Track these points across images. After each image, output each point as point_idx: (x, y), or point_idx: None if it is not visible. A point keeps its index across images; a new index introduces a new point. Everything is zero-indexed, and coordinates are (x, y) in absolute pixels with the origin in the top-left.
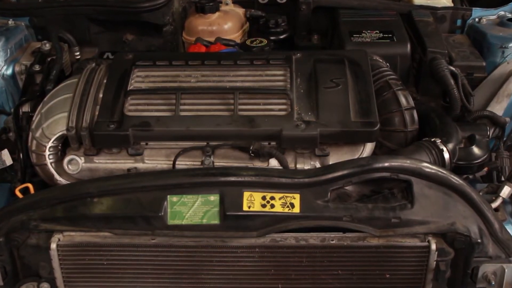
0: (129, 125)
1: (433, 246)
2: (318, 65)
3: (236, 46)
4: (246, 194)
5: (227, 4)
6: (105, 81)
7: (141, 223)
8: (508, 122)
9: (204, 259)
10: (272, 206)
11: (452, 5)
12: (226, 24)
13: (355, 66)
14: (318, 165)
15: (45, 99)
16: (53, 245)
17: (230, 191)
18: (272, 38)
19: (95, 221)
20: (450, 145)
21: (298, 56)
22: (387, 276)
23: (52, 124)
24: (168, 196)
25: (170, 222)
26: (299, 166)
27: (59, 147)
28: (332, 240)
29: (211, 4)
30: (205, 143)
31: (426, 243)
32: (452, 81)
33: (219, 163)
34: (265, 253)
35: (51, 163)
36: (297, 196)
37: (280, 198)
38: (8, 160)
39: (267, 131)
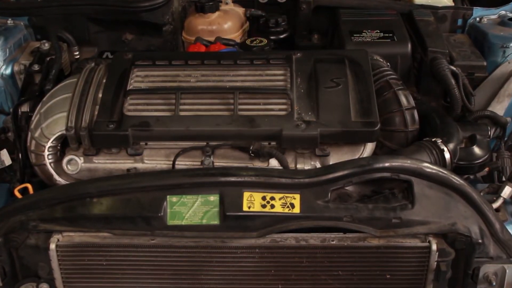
0: (129, 125)
1: (434, 247)
2: (319, 65)
3: (236, 45)
4: (246, 194)
5: (227, 3)
6: (104, 80)
7: (140, 223)
8: (509, 122)
9: (204, 260)
10: (272, 206)
11: (453, 4)
12: (226, 24)
13: (356, 65)
14: (318, 165)
15: (44, 99)
16: (52, 246)
17: (230, 191)
18: (272, 37)
19: (94, 222)
20: (451, 145)
21: (298, 56)
22: (388, 276)
23: (51, 124)
24: (168, 196)
25: (170, 222)
26: (299, 166)
27: (58, 147)
28: (333, 241)
29: (211, 3)
30: (205, 143)
31: (426, 244)
32: (453, 81)
33: (219, 163)
34: (265, 254)
35: (50, 163)
36: (297, 196)
37: (280, 198)
38: (7, 160)
39: (267, 131)
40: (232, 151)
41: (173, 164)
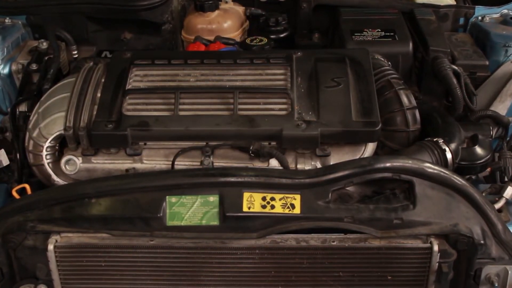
0: (128, 124)
1: (436, 248)
2: (319, 64)
3: (235, 44)
4: (246, 195)
5: (226, 2)
6: (103, 80)
7: (139, 224)
8: (511, 121)
9: (203, 261)
10: (273, 207)
11: (455, 3)
12: (225, 23)
13: (357, 65)
14: (319, 165)
15: (42, 98)
16: (51, 247)
17: (230, 192)
18: (272, 36)
19: (93, 222)
20: (453, 145)
21: (299, 55)
22: (389, 277)
23: (49, 123)
24: (167, 196)
25: (169, 223)
26: (299, 166)
27: (57, 147)
28: (333, 242)
29: (210, 2)
30: (204, 143)
31: (428, 245)
32: (454, 80)
33: (218, 163)
34: (265, 255)
35: (48, 163)
36: (298, 196)
37: (280, 199)
38: (4, 160)
39: (267, 131)
40: (232, 151)
41: (172, 164)
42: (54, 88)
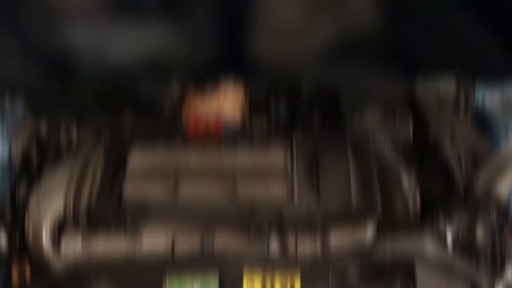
0: (127, 208)
1: None
2: (320, 146)
3: (235, 125)
4: (246, 277)
5: (226, 85)
6: (102, 162)
7: None
8: None
9: None
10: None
11: (456, 86)
12: (225, 104)
13: (358, 146)
14: (319, 246)
15: (42, 179)
16: None
17: (230, 275)
18: (272, 117)
19: None
20: (454, 227)
21: (299, 137)
22: None
23: (48, 205)
24: (167, 278)
25: None
26: (299, 247)
27: (56, 230)
28: None
29: (210, 85)
30: (205, 226)
31: None
32: (455, 163)
33: (218, 246)
34: None
35: (47, 245)
36: (298, 277)
37: (280, 280)
38: (3, 242)
39: (267, 214)
40: (232, 233)
41: (172, 247)
42: (53, 169)
